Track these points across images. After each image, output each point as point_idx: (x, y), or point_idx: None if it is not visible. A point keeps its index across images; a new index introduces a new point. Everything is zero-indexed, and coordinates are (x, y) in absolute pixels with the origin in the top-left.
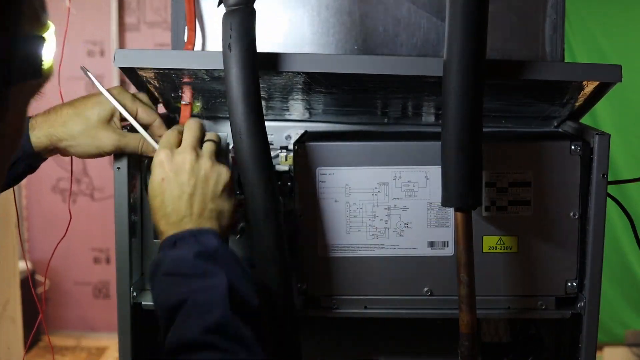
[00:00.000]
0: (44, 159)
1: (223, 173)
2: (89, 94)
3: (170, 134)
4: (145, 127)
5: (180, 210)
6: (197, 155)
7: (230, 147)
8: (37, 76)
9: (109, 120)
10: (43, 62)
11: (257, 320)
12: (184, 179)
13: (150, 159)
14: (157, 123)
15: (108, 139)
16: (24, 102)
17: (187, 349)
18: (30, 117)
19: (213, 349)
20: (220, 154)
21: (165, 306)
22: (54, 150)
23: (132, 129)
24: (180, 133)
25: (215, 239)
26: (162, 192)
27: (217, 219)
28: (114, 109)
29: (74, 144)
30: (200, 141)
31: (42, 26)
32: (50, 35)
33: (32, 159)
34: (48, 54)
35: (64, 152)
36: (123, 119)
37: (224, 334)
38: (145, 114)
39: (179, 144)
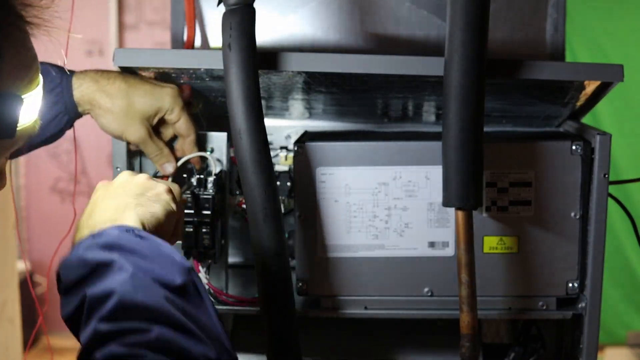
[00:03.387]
0: (80, 116)
1: (159, 187)
2: (144, 77)
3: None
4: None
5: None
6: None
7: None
8: (9, 136)
9: (150, 117)
10: (18, 123)
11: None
12: (115, 190)
13: None
14: (190, 139)
15: (137, 132)
16: (3, 156)
17: (96, 346)
18: (81, 72)
19: (114, 340)
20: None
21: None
22: (87, 112)
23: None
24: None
25: (118, 230)
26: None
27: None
28: (161, 108)
29: (106, 118)
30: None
31: (25, 86)
32: (35, 95)
33: (74, 113)
34: (28, 114)
35: (93, 116)
36: (160, 123)
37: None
38: (184, 125)
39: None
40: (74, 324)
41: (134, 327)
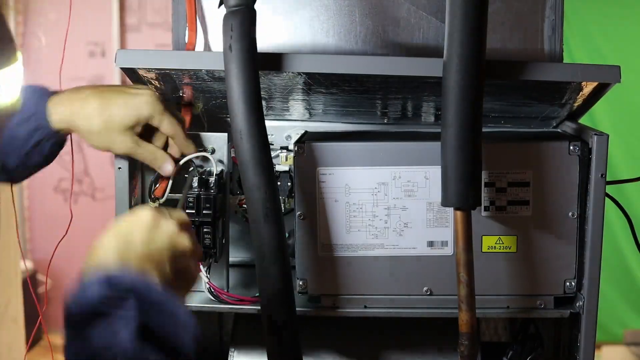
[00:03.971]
0: (66, 137)
1: (186, 241)
2: (118, 86)
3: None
4: (169, 137)
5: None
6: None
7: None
8: None
9: (131, 127)
10: None
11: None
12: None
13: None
14: (179, 138)
15: (122, 143)
16: None
17: None
18: (53, 93)
19: None
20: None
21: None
22: (71, 132)
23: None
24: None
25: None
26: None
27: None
28: (139, 118)
29: (89, 138)
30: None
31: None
32: (13, 71)
33: (57, 137)
34: (6, 91)
35: (80, 136)
36: (146, 129)
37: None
38: (169, 127)
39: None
40: None
41: None
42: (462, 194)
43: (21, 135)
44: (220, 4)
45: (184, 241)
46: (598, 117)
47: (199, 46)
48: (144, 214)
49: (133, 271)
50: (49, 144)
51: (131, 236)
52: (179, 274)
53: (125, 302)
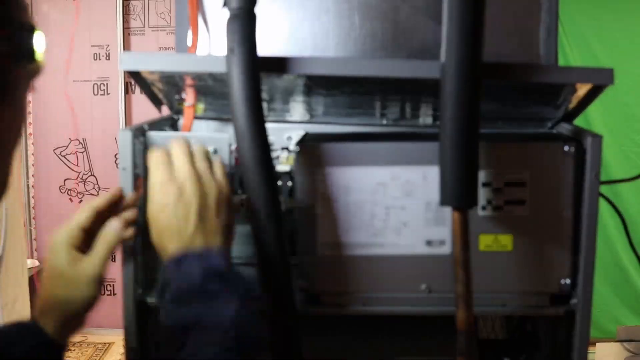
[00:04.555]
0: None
1: (223, 187)
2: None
3: (160, 154)
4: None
5: (186, 228)
6: (197, 173)
7: (233, 148)
8: (31, 62)
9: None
10: (35, 49)
11: (259, 333)
12: (190, 198)
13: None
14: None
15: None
16: (22, 88)
17: None
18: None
19: None
20: (213, 164)
21: (173, 327)
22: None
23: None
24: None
25: (222, 258)
26: (166, 210)
27: (223, 234)
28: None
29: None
30: (192, 157)
31: (30, 18)
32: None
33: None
34: (39, 44)
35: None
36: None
37: (232, 354)
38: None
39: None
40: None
41: None
42: (459, 194)
43: None
44: (224, 4)
45: (223, 188)
46: (592, 118)
47: (202, 49)
48: (185, 179)
49: (209, 247)
50: None
51: (183, 214)
52: (228, 226)
53: (221, 284)
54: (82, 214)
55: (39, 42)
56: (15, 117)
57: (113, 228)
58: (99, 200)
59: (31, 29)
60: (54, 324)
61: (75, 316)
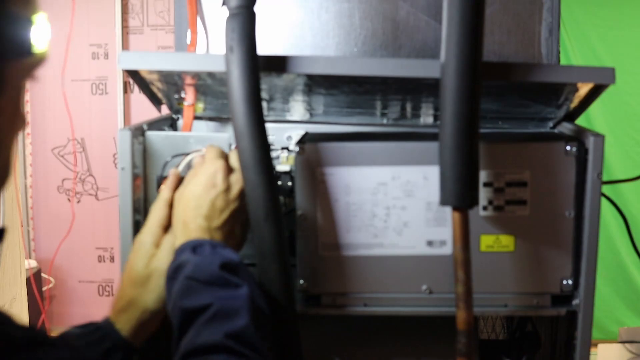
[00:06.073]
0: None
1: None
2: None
3: (222, 151)
4: None
5: (215, 219)
6: (245, 188)
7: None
8: (27, 55)
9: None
10: (32, 43)
11: (269, 330)
12: (232, 199)
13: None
14: None
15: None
16: (19, 80)
17: (206, 351)
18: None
19: (232, 353)
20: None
21: (186, 308)
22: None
23: None
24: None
25: (235, 254)
26: (209, 194)
27: (238, 245)
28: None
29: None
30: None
31: (31, 9)
32: (41, 20)
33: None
34: (40, 36)
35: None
36: None
37: (243, 341)
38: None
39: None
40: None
41: (247, 353)
42: (459, 194)
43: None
44: (223, 3)
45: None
46: (594, 117)
47: (201, 48)
48: (236, 180)
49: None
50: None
51: (209, 210)
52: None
53: (236, 275)
54: (158, 210)
55: (40, 35)
56: (11, 107)
57: None
58: (166, 192)
59: (28, 23)
60: (129, 325)
61: (150, 317)
